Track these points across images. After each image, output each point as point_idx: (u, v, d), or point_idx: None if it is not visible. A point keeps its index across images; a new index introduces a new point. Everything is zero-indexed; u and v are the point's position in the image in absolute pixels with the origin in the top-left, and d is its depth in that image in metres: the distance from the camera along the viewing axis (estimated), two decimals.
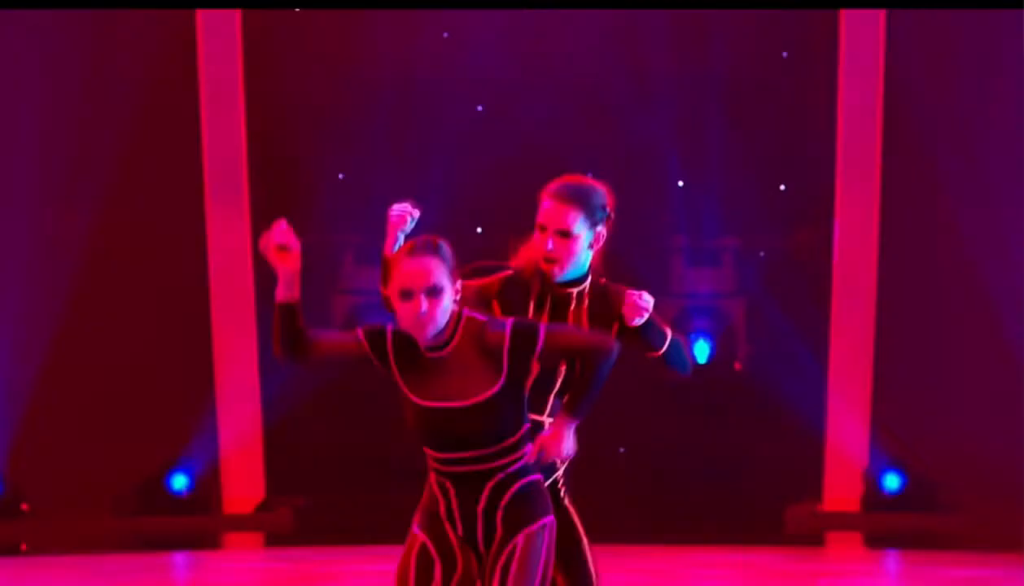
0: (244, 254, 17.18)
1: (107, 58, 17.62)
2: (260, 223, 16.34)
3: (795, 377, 16.87)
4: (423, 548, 6.72)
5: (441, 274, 6.60)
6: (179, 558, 15.74)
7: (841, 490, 16.84)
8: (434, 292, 6.51)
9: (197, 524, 16.66)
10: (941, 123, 17.23)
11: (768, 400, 16.89)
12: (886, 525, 16.47)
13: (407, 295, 6.49)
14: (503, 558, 6.81)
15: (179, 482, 16.71)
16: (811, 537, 16.27)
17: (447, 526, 6.74)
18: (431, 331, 6.50)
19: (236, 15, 17.80)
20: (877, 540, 16.16)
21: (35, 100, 17.26)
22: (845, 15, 17.54)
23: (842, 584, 14.32)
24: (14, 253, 17.08)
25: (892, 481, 16.55)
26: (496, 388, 6.57)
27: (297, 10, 17.88)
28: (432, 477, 6.80)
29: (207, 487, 16.94)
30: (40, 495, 16.63)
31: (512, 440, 6.73)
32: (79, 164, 17.13)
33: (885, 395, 16.78)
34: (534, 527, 6.80)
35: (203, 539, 16.46)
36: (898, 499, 16.55)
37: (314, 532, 16.27)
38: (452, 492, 6.72)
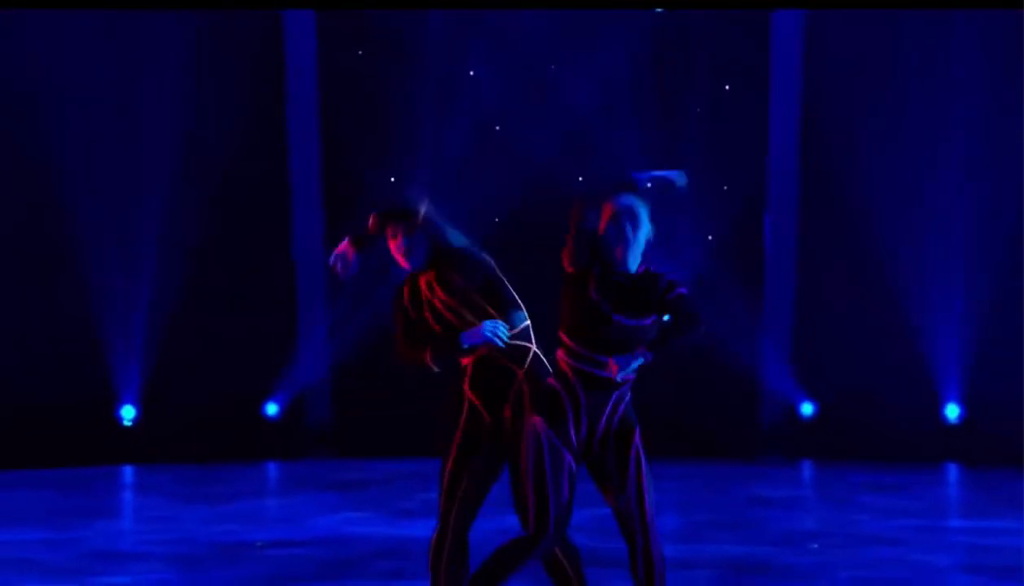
0: (317, 239, 17.09)
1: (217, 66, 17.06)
2: (333, 217, 17.15)
3: (738, 334, 17.02)
4: (551, 442, 6.64)
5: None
6: (271, 466, 15.98)
7: (770, 415, 17.11)
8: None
9: (285, 439, 16.83)
10: (856, 122, 16.86)
11: (716, 350, 16.68)
12: (803, 442, 16.78)
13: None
14: (630, 457, 6.84)
15: (271, 409, 17.08)
16: (745, 452, 16.60)
17: (571, 426, 6.67)
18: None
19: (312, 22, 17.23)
20: (796, 453, 16.54)
21: (175, 105, 16.87)
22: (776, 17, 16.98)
23: (770, 486, 14.25)
24: (149, 229, 16.72)
25: (807, 408, 17.03)
26: (651, 320, 6.62)
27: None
28: (567, 377, 6.68)
29: (292, 413, 17.15)
30: (171, 417, 16.61)
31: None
32: (194, 160, 16.84)
33: (802, 347, 17.13)
34: (638, 433, 6.86)
35: (289, 451, 16.58)
36: (811, 423, 17.02)
37: (374, 445, 16.24)
38: (582, 394, 6.64)
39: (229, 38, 17.02)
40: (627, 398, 6.88)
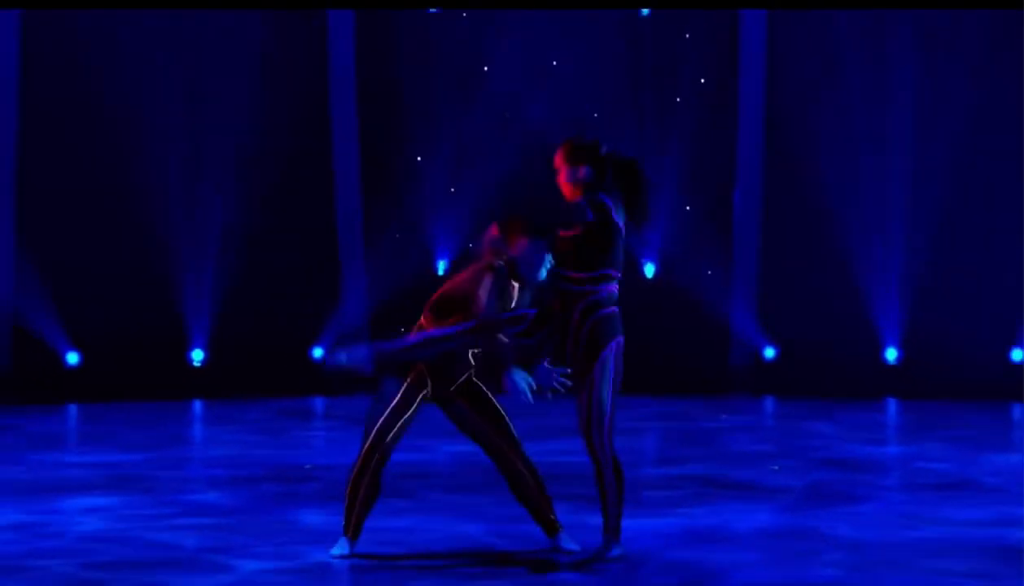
0: (357, 209, 17.04)
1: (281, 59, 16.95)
2: (368, 190, 17.11)
3: (711, 289, 17.00)
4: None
5: None
6: (318, 401, 15.94)
7: (738, 357, 17.05)
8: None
9: (329, 379, 16.22)
10: (811, 112, 16.66)
11: (692, 302, 16.83)
12: (766, 381, 16.74)
13: None
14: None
15: (318, 352, 16.97)
16: (717, 389, 16.59)
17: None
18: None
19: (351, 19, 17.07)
20: (759, 390, 16.55)
21: (242, 97, 16.70)
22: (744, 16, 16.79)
23: (737, 417, 14.28)
24: (215, 198, 16.55)
25: (769, 352, 17.00)
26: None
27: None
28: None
29: (334, 357, 17.36)
30: (233, 359, 16.55)
31: None
32: (254, 135, 16.56)
33: (766, 300, 17.05)
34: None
35: (332, 389, 16.30)
36: (773, 364, 16.99)
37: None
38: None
39: (283, 34, 16.95)
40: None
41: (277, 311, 16.74)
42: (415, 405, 7.50)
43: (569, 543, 7.63)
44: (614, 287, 7.38)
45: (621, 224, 7.32)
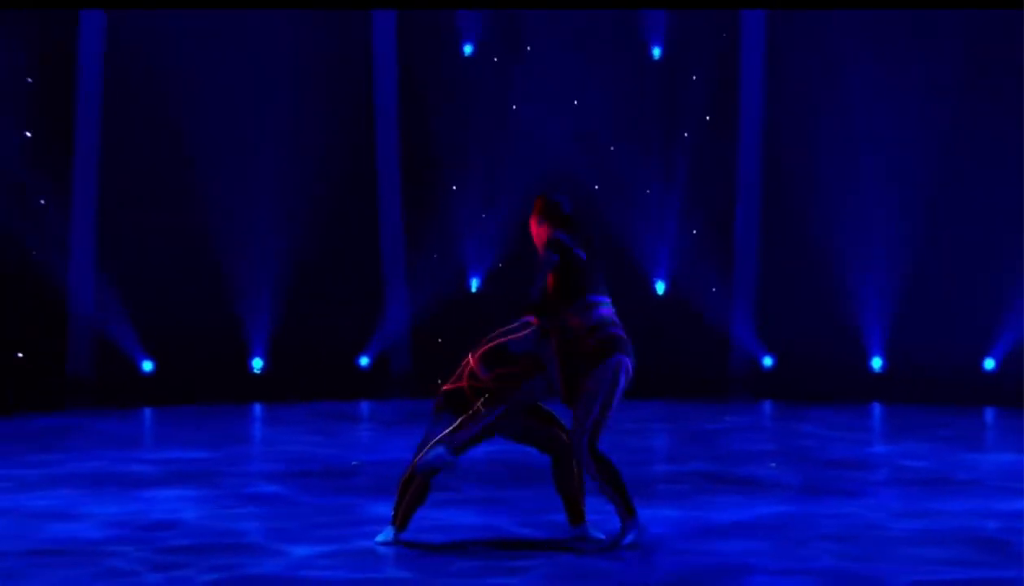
0: (398, 231, 17.00)
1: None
2: (410, 218, 17.08)
3: (714, 304, 17.02)
4: None
5: None
6: (364, 405, 15.77)
7: (739, 365, 17.06)
8: None
9: (374, 384, 16.64)
10: (810, 156, 16.61)
11: (698, 316, 16.90)
12: (764, 386, 16.63)
13: None
14: None
15: (364, 360, 16.99)
16: (719, 393, 16.52)
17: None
18: None
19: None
20: (758, 395, 16.37)
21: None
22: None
23: (738, 419, 14.20)
24: (274, 222, 16.49)
25: (767, 360, 17.04)
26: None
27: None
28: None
29: (379, 363, 17.04)
30: (288, 367, 16.57)
31: None
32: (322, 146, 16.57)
33: (764, 314, 17.08)
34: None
35: (377, 393, 16.39)
36: (771, 371, 17.02)
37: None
38: None
39: (334, 76, 16.90)
40: None
41: (327, 324, 16.71)
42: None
43: (594, 532, 7.58)
44: (604, 311, 7.32)
45: (583, 256, 7.31)
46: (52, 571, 6.98)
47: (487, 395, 7.32)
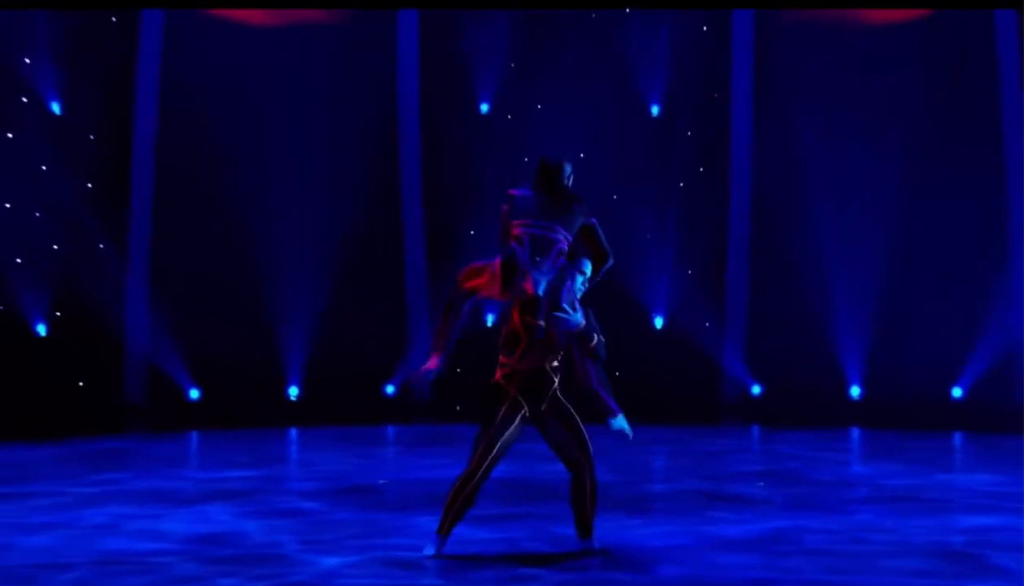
0: (421, 270, 16.88)
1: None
2: (432, 261, 16.90)
3: (708, 338, 16.90)
4: None
5: None
6: (390, 429, 15.59)
7: (729, 394, 16.91)
8: None
9: (399, 410, 16.50)
10: (798, 201, 16.50)
11: (693, 349, 16.75)
12: (753, 413, 16.51)
13: None
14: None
15: (390, 389, 16.87)
16: (712, 419, 16.41)
17: None
18: None
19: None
20: (748, 420, 16.24)
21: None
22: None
23: (728, 442, 14.14)
24: (306, 260, 16.38)
25: (756, 389, 16.90)
26: None
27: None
28: None
29: (403, 394, 16.82)
30: (322, 394, 16.39)
31: None
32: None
33: (753, 347, 16.92)
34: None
35: (401, 418, 16.24)
36: (759, 399, 16.86)
37: (461, 414, 15.70)
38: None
39: (361, 131, 16.84)
40: None
41: (356, 357, 16.57)
42: (514, 426, 7.21)
43: (599, 546, 7.55)
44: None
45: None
46: (120, 579, 7.00)
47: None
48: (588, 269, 7.31)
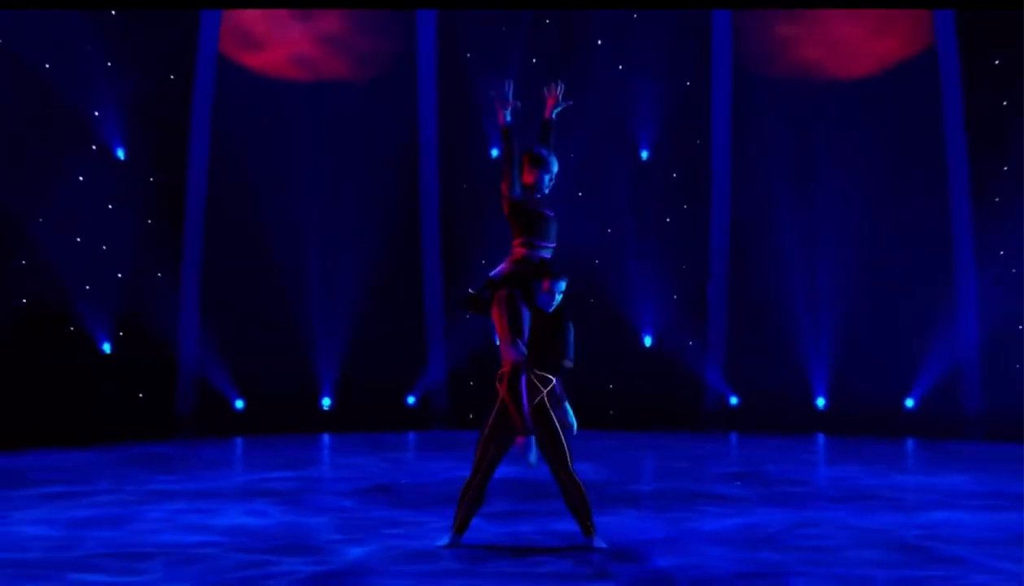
0: (438, 298, 16.68)
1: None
2: (448, 285, 16.69)
3: (691, 355, 16.69)
4: None
5: None
6: (411, 435, 15.38)
7: (711, 403, 16.68)
8: None
9: (419, 419, 16.44)
10: (772, 239, 16.34)
11: (678, 364, 16.55)
12: (731, 419, 16.45)
13: None
14: None
15: (411, 399, 16.67)
16: (695, 426, 16.23)
17: None
18: None
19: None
20: (727, 428, 16.19)
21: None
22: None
23: (711, 446, 13.99)
24: (337, 275, 16.19)
25: (734, 400, 16.69)
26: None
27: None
28: None
29: (423, 403, 16.72)
30: (351, 404, 16.13)
31: None
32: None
33: (731, 362, 16.72)
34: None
35: (422, 425, 16.22)
36: (736, 409, 16.66)
37: (475, 422, 15.40)
38: None
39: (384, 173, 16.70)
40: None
41: (381, 370, 16.35)
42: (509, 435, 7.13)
43: (600, 541, 7.43)
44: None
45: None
46: (177, 568, 7.00)
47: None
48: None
